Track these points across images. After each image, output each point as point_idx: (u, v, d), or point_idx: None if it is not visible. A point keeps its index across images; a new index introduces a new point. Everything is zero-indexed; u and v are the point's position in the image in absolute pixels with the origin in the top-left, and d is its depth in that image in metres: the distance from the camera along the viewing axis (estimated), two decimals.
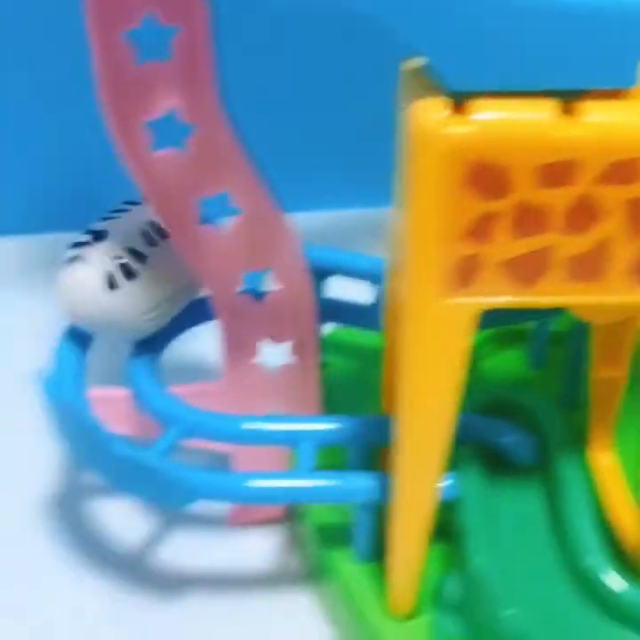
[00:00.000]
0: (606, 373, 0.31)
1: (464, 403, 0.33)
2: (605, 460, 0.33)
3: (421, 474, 0.26)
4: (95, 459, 0.29)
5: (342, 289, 0.37)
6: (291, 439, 0.30)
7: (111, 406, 0.30)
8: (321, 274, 0.35)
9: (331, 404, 0.35)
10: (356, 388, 0.38)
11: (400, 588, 0.28)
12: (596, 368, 0.31)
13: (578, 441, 0.31)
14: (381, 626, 0.28)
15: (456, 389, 0.25)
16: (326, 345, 0.37)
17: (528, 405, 0.32)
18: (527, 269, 0.23)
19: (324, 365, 0.35)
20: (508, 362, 0.40)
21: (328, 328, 0.38)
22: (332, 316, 0.37)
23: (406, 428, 0.25)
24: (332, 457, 0.31)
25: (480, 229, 0.22)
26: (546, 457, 0.30)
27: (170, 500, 0.29)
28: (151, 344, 0.33)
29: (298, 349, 0.33)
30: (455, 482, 0.28)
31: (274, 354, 0.33)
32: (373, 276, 0.35)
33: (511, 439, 0.30)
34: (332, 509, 0.31)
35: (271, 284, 0.31)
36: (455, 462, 0.30)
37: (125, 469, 0.28)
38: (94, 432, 0.28)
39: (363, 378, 0.38)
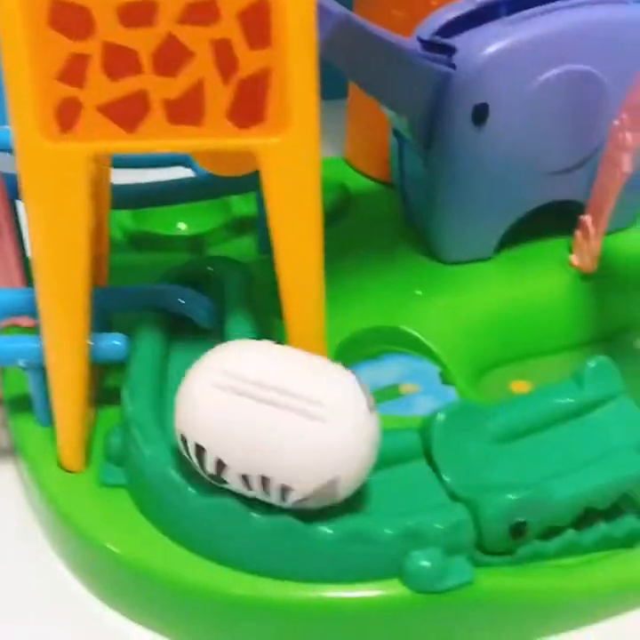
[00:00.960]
0: None
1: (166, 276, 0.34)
2: None
3: (62, 331, 0.27)
4: None
5: None
6: None
7: None
8: None
9: None
10: None
11: (66, 445, 0.29)
12: None
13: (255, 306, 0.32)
14: (50, 480, 0.29)
15: (81, 240, 0.25)
16: None
17: (214, 274, 0.33)
18: (127, 113, 0.23)
19: None
20: (239, 248, 0.42)
21: None
22: None
23: (41, 283, 0.26)
24: None
25: (72, 71, 0.23)
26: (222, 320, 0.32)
27: None
28: None
29: None
30: (124, 343, 0.29)
31: None
32: None
33: (185, 304, 0.31)
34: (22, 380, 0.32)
35: None
36: (135, 326, 0.31)
37: None
38: None
39: None
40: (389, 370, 0.36)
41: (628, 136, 0.35)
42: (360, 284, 0.38)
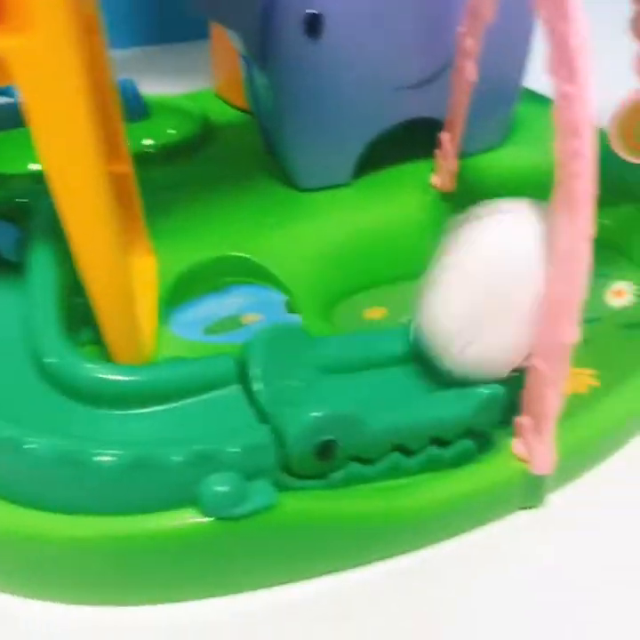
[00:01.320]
0: (114, 169, 0.31)
1: None
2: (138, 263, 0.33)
3: None
4: None
5: None
6: None
7: None
8: None
9: None
10: None
11: None
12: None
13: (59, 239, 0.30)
14: None
15: None
16: None
17: (26, 205, 0.32)
18: None
19: None
20: None
21: None
22: None
23: None
24: None
25: None
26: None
27: None
28: None
29: None
30: None
31: None
32: None
33: None
34: None
35: None
36: None
37: None
38: None
39: None
40: (234, 301, 0.34)
41: (470, 42, 0.33)
42: (210, 213, 0.37)
